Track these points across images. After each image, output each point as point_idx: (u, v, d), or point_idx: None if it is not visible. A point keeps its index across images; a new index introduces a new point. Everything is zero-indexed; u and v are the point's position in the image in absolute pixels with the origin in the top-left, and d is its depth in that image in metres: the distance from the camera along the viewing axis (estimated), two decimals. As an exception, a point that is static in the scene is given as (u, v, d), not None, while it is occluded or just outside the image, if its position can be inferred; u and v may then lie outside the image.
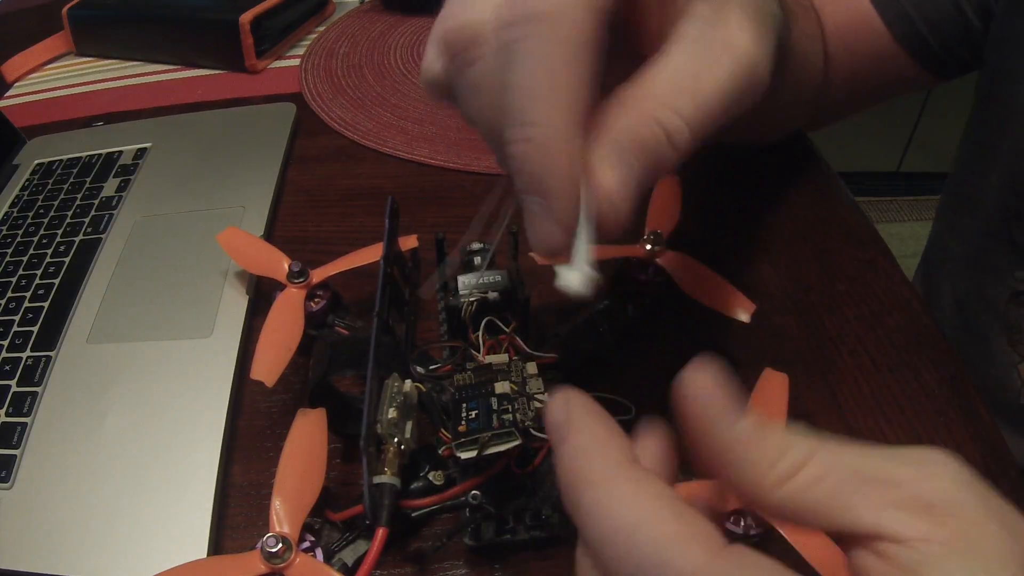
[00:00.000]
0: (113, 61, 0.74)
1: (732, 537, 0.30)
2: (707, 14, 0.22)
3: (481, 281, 0.37)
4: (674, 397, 0.19)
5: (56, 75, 0.73)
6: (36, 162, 0.59)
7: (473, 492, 0.32)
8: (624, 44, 0.24)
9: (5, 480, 0.37)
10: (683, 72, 0.22)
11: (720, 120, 0.22)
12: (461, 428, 0.31)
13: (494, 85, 0.21)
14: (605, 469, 0.18)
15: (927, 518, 0.16)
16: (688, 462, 0.20)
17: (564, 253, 0.21)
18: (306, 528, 0.31)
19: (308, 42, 0.74)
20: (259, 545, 0.29)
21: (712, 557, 0.16)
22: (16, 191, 0.56)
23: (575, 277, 0.21)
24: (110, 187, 0.54)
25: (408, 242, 0.44)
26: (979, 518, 0.16)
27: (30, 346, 0.43)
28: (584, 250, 0.21)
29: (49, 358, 0.42)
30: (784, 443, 0.18)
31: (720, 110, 0.22)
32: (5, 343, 0.44)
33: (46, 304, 0.46)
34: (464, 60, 0.22)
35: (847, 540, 0.18)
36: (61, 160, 0.58)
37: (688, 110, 0.21)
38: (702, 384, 0.19)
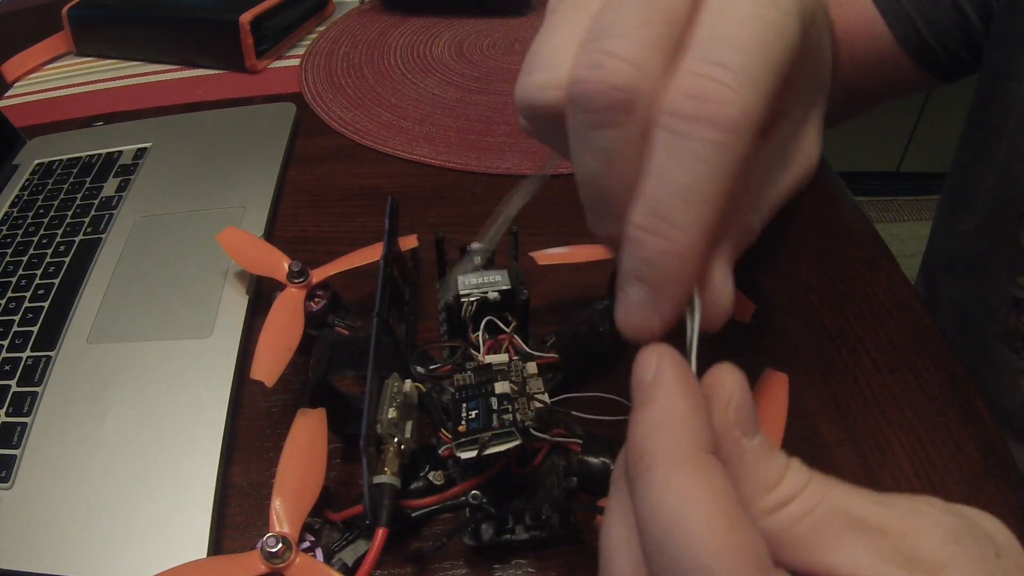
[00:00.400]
0: (113, 61, 0.74)
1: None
2: (799, 119, 0.23)
3: (481, 281, 0.37)
4: (708, 388, 0.19)
5: (56, 75, 0.73)
6: (36, 162, 0.59)
7: (473, 492, 0.32)
8: None
9: (5, 480, 0.37)
10: (770, 182, 0.23)
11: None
12: (461, 428, 0.31)
13: (631, 158, 0.19)
14: (675, 450, 0.17)
15: (910, 571, 0.16)
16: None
17: (648, 341, 0.21)
18: (306, 528, 0.31)
19: (308, 42, 0.74)
20: (259, 545, 0.29)
21: None
22: (16, 191, 0.56)
23: None
24: (110, 187, 0.54)
25: (408, 242, 0.44)
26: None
27: (30, 346, 0.43)
28: (694, 352, 0.21)
29: (49, 358, 0.42)
30: (783, 470, 0.18)
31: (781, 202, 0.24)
32: (5, 343, 0.44)
33: (46, 304, 0.46)
34: (606, 119, 0.19)
35: None
36: (61, 160, 0.58)
37: (765, 212, 0.23)
38: (728, 385, 0.19)
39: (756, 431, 0.18)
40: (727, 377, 0.19)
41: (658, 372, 0.19)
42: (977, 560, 0.16)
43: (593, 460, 0.34)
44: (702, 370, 0.20)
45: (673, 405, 0.18)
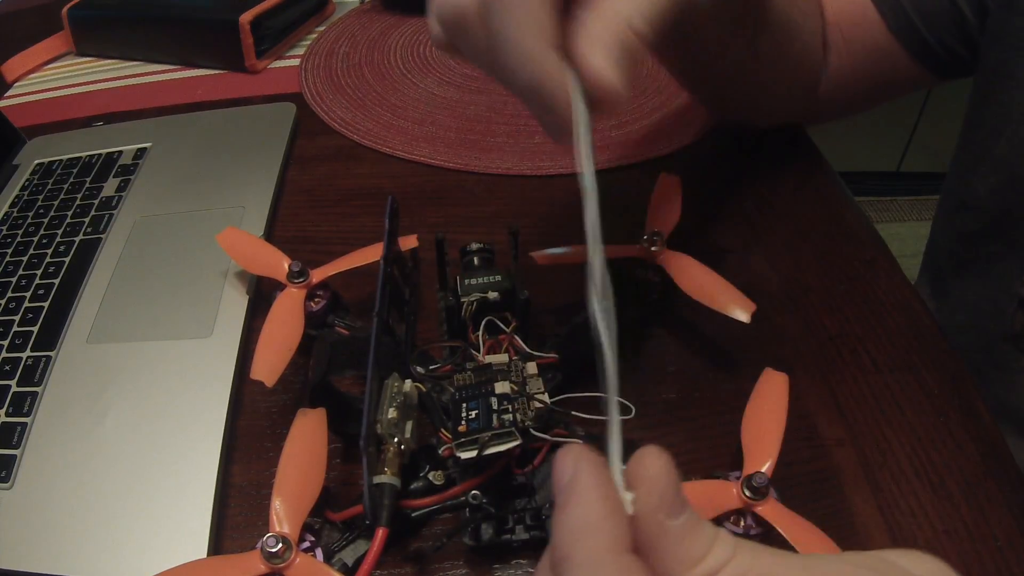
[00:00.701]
0: (113, 61, 0.74)
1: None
2: None
3: (481, 281, 0.37)
4: (629, 478, 0.19)
5: (56, 75, 0.73)
6: (36, 162, 0.59)
7: (473, 492, 0.32)
8: None
9: (5, 480, 0.37)
10: None
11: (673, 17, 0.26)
12: (461, 428, 0.31)
13: (484, 47, 0.25)
14: (594, 552, 0.18)
15: None
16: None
17: (568, 137, 0.24)
18: (306, 528, 0.31)
19: (308, 42, 0.74)
20: (259, 545, 0.29)
21: None
22: (16, 191, 0.56)
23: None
24: (110, 187, 0.54)
25: (408, 242, 0.44)
26: None
27: (30, 346, 0.43)
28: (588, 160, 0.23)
29: (49, 358, 0.42)
30: (708, 545, 0.18)
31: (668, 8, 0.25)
32: (5, 343, 0.44)
33: (46, 304, 0.46)
34: (457, 33, 0.26)
35: None
36: (61, 160, 0.58)
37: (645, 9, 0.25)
38: (653, 471, 0.19)
39: (681, 510, 0.18)
40: (652, 463, 0.19)
41: (575, 475, 0.19)
42: None
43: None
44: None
45: (590, 509, 0.18)
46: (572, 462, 0.19)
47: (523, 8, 0.24)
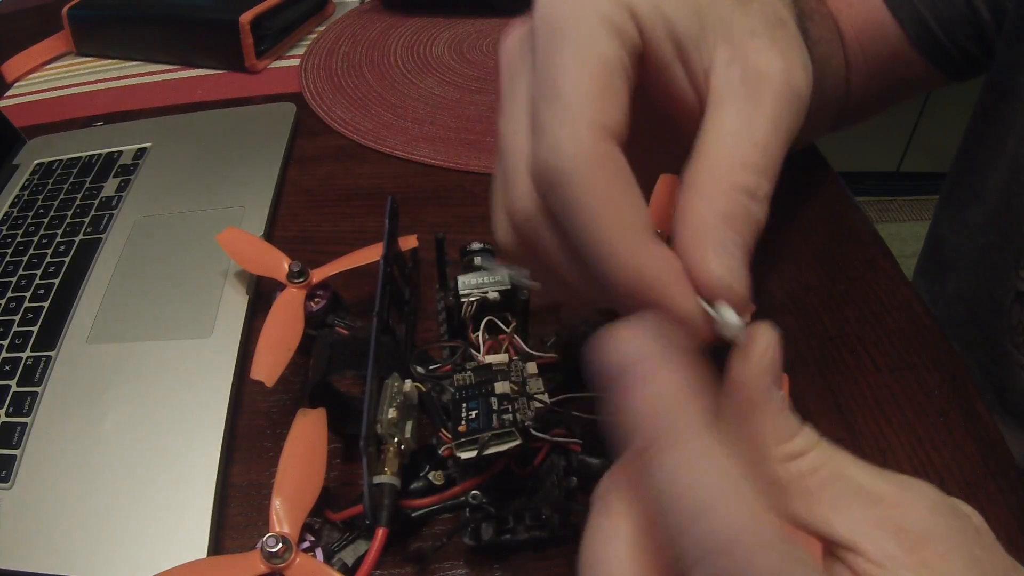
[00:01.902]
0: (113, 61, 0.74)
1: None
2: (728, 57, 0.22)
3: (481, 281, 0.37)
4: (739, 344, 0.19)
5: (56, 75, 0.73)
6: (36, 162, 0.59)
7: (473, 492, 0.32)
8: (662, 125, 0.24)
9: (5, 480, 0.37)
10: (735, 127, 0.21)
11: (786, 152, 0.21)
12: (461, 428, 0.31)
13: (560, 251, 0.22)
14: (699, 427, 0.17)
15: (899, 542, 0.17)
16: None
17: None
18: (306, 528, 0.31)
19: (308, 42, 0.74)
20: (259, 545, 0.29)
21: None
22: (16, 191, 0.56)
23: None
24: (110, 187, 0.54)
25: (408, 242, 0.44)
26: (948, 552, 0.17)
27: (30, 346, 0.43)
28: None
29: (49, 358, 0.42)
30: (798, 427, 0.19)
31: (783, 144, 0.21)
32: (5, 343, 0.44)
33: (46, 304, 0.46)
34: (529, 236, 0.22)
35: (820, 541, 0.18)
36: (61, 160, 0.58)
37: (756, 159, 0.20)
38: (771, 342, 0.19)
39: (780, 387, 0.19)
40: (766, 332, 0.19)
41: (657, 342, 0.18)
42: (958, 533, 0.17)
43: (593, 460, 0.34)
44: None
45: (684, 374, 0.17)
46: (646, 328, 0.18)
47: (601, 188, 0.19)
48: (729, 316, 0.20)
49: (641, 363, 0.18)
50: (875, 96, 0.50)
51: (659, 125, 0.23)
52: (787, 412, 0.19)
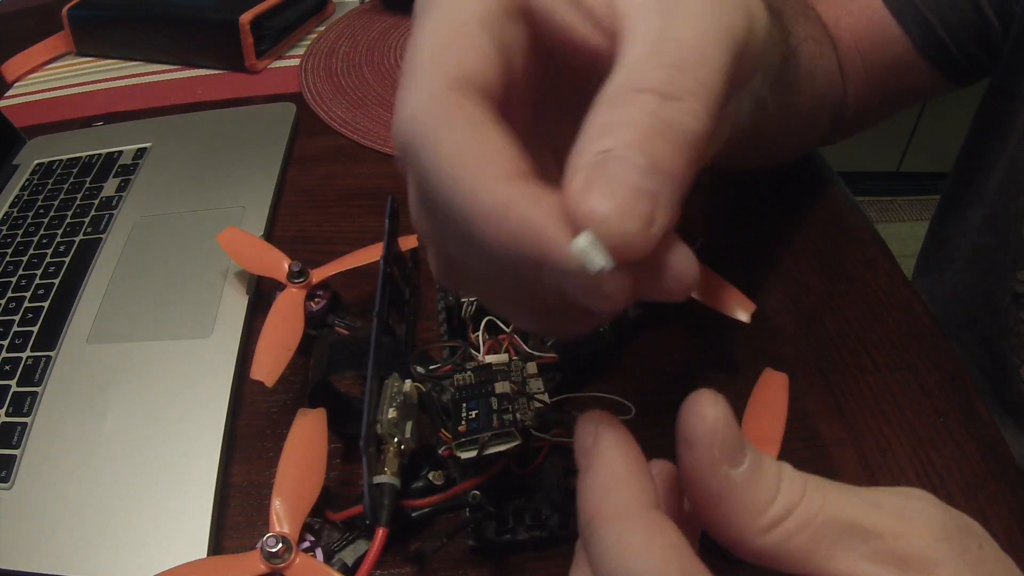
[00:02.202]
0: (113, 61, 0.74)
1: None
2: None
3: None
4: (679, 426, 0.18)
5: (56, 75, 0.73)
6: (36, 162, 0.59)
7: (473, 492, 0.32)
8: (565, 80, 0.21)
9: (5, 480, 0.37)
10: (645, 32, 0.17)
11: (735, 62, 0.18)
12: (461, 428, 0.31)
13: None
14: (623, 508, 0.17)
15: (904, 574, 0.17)
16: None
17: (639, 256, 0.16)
18: (306, 528, 0.31)
19: (308, 42, 0.74)
20: (259, 545, 0.29)
21: None
22: (16, 191, 0.56)
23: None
24: (110, 187, 0.54)
25: (408, 242, 0.44)
26: (953, 572, 0.17)
27: (30, 346, 0.43)
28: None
29: (49, 358, 0.42)
30: (775, 486, 0.18)
31: (721, 46, 0.17)
32: (5, 343, 0.44)
33: (46, 304, 0.46)
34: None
35: None
36: (61, 160, 0.58)
37: (670, 53, 0.17)
38: (710, 420, 0.18)
39: (743, 457, 0.18)
40: (708, 411, 0.17)
41: (597, 438, 0.19)
42: (964, 554, 0.17)
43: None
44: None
45: (616, 465, 0.18)
46: (593, 426, 0.19)
47: (447, 136, 0.16)
48: (579, 242, 0.15)
49: (586, 453, 0.19)
50: (875, 105, 0.50)
51: (577, 84, 0.20)
52: (757, 481, 0.17)
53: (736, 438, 0.17)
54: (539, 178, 0.16)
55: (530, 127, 0.21)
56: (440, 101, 0.17)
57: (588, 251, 0.15)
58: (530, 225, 0.15)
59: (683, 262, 0.17)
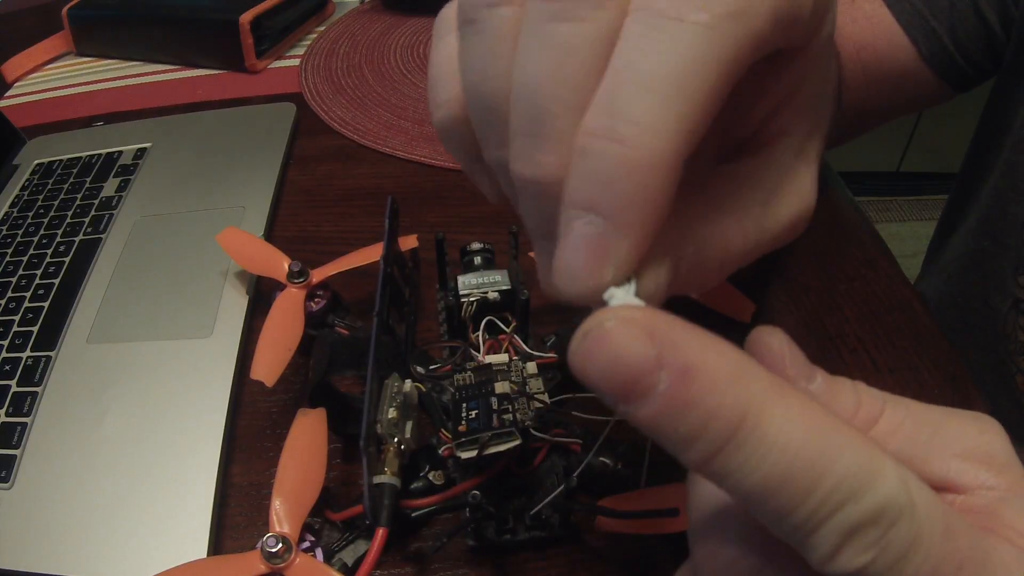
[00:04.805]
0: (113, 61, 0.74)
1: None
2: (796, 145, 0.21)
3: (481, 281, 0.37)
4: (754, 353, 0.18)
5: (56, 75, 0.73)
6: (36, 162, 0.59)
7: (473, 492, 0.32)
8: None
9: (5, 480, 0.37)
10: (750, 214, 0.20)
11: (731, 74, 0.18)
12: (461, 428, 0.31)
13: (592, 58, 0.16)
14: (775, 385, 0.14)
15: (989, 469, 0.17)
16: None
17: (591, 300, 0.16)
18: (306, 528, 0.31)
19: (308, 42, 0.74)
20: (259, 545, 0.29)
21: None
22: (16, 191, 0.56)
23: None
24: (110, 187, 0.54)
25: (408, 242, 0.44)
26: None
27: (30, 346, 0.43)
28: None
29: (49, 358, 0.42)
30: (857, 396, 0.18)
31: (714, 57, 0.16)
32: (5, 343, 0.44)
33: (46, 304, 0.46)
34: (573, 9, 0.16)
35: None
36: (61, 160, 0.58)
37: (734, 254, 0.20)
38: (776, 346, 0.18)
39: (815, 374, 0.18)
40: (771, 339, 0.18)
41: (681, 334, 0.14)
42: (1019, 462, 0.18)
43: (593, 460, 0.34)
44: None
45: (728, 350, 0.15)
46: (654, 323, 0.14)
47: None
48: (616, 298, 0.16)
49: (661, 358, 0.14)
50: (873, 112, 0.50)
51: None
52: (836, 393, 0.18)
53: (802, 357, 0.18)
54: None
55: None
56: None
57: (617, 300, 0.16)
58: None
59: None
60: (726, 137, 0.22)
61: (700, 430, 0.14)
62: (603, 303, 0.16)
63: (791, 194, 0.21)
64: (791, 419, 0.14)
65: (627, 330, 0.14)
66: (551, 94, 0.16)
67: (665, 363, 0.14)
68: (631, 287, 0.16)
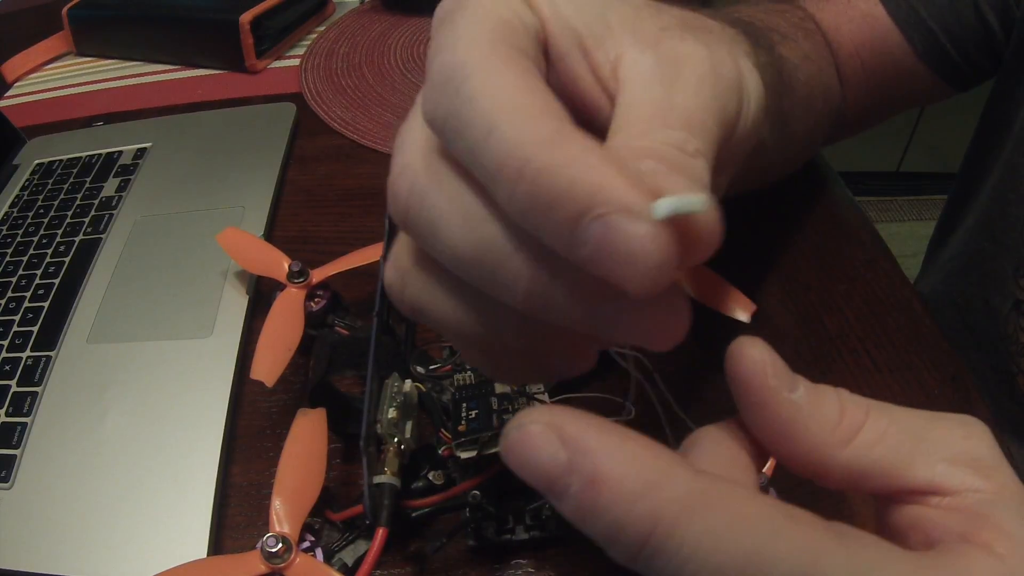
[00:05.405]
0: (113, 61, 0.74)
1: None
2: (639, 47, 0.19)
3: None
4: (730, 371, 0.18)
5: (56, 75, 0.73)
6: (36, 162, 0.59)
7: (473, 492, 0.32)
8: None
9: (5, 480, 0.37)
10: (650, 96, 0.18)
11: (725, 137, 0.20)
12: (461, 428, 0.31)
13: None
14: (697, 493, 0.14)
15: (976, 472, 0.17)
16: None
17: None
18: (306, 528, 0.31)
19: (308, 42, 0.74)
20: (259, 545, 0.29)
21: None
22: (16, 191, 0.56)
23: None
24: (110, 187, 0.54)
25: (408, 242, 0.44)
26: (1011, 476, 0.18)
27: (30, 346, 0.43)
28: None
29: (49, 358, 0.42)
30: (840, 404, 0.18)
31: (715, 120, 0.19)
32: (5, 343, 0.44)
33: (46, 304, 0.46)
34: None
35: (892, 497, 0.18)
36: (61, 160, 0.58)
37: (677, 119, 0.18)
38: (757, 357, 0.18)
39: (798, 383, 0.18)
40: (752, 350, 0.18)
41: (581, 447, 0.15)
42: (1006, 462, 0.18)
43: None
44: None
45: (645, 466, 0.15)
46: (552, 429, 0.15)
47: (501, 77, 0.16)
48: (683, 197, 0.15)
49: (571, 467, 0.15)
50: (876, 108, 0.50)
51: None
52: (819, 402, 0.18)
53: (784, 367, 0.18)
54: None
55: None
56: (492, 48, 0.17)
57: (666, 207, 0.15)
58: (594, 175, 0.14)
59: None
60: None
61: (615, 535, 0.14)
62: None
63: (679, 72, 0.19)
64: (712, 530, 0.14)
65: (543, 434, 0.15)
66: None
67: (574, 469, 0.14)
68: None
